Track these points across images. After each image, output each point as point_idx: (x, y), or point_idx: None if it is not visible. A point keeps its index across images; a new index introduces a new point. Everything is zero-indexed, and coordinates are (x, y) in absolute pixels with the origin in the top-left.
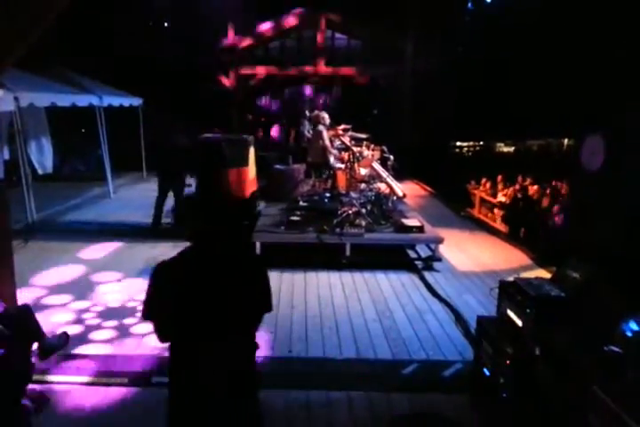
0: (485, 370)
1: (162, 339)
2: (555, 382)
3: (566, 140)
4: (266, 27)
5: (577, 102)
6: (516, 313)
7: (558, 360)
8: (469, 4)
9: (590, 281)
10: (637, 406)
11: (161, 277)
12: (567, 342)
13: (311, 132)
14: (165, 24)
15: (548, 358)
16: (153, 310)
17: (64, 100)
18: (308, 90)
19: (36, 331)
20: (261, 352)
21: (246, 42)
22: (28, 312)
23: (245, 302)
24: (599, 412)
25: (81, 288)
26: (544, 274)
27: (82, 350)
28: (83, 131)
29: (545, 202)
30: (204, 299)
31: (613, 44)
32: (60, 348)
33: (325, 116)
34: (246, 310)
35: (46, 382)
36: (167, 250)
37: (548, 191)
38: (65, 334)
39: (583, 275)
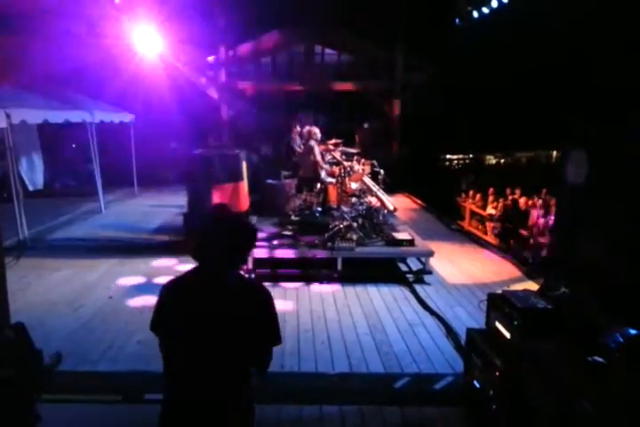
0: (476, 383)
1: (163, 354)
2: (542, 393)
3: (555, 153)
4: (254, 44)
5: (562, 116)
6: (504, 325)
7: (545, 372)
8: (457, 20)
9: (575, 294)
10: (622, 416)
11: (164, 291)
12: (553, 353)
13: (302, 147)
14: None
15: (535, 369)
16: (155, 322)
17: (56, 116)
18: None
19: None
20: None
21: (236, 57)
22: (22, 330)
23: (243, 330)
24: (585, 421)
25: (73, 305)
26: (534, 286)
27: (75, 367)
28: (73, 146)
29: (534, 214)
30: (194, 320)
31: (596, 60)
32: (54, 368)
33: (317, 131)
34: (242, 339)
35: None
36: (160, 266)
37: (536, 203)
38: (58, 353)
39: (569, 287)
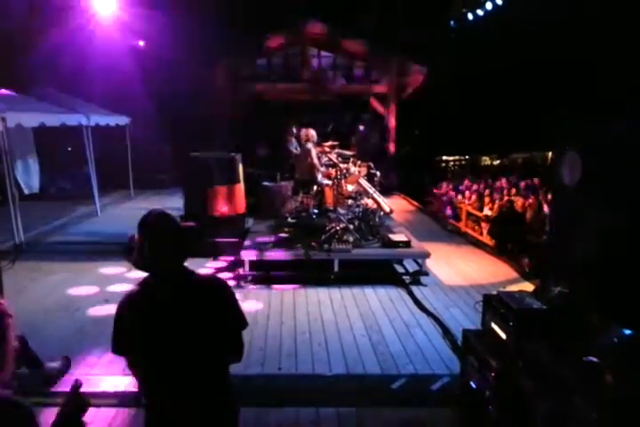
0: (472, 383)
1: (135, 374)
2: (538, 394)
3: (550, 154)
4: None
5: (555, 116)
6: (499, 326)
7: (540, 372)
8: (452, 23)
9: (571, 294)
10: (614, 413)
11: (123, 309)
12: (548, 353)
13: (298, 149)
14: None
15: (531, 370)
16: (120, 344)
17: (53, 120)
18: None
19: (33, 359)
20: (252, 370)
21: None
22: (22, 341)
23: (215, 324)
24: (580, 420)
25: (69, 309)
26: (530, 287)
27: (71, 370)
28: (69, 149)
29: (529, 215)
30: (167, 329)
31: (589, 59)
32: (64, 372)
33: (313, 133)
34: (217, 333)
35: (35, 404)
36: None
37: (532, 204)
38: (66, 358)
39: (564, 288)
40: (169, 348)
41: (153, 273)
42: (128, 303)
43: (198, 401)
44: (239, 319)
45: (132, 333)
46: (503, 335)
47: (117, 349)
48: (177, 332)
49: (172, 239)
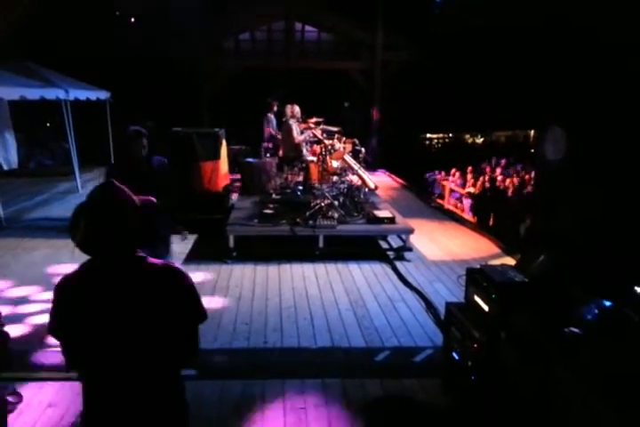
0: (454, 355)
1: (69, 364)
2: (519, 363)
3: (532, 132)
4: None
5: (538, 93)
6: (482, 299)
7: (522, 343)
8: None
9: (551, 267)
10: (595, 383)
11: (63, 292)
12: (530, 324)
13: (275, 128)
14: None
15: (513, 340)
16: (56, 328)
17: (33, 93)
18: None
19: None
20: (238, 344)
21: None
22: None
23: (164, 316)
24: (561, 390)
25: (51, 285)
26: (511, 262)
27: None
28: (48, 125)
29: (510, 192)
30: (107, 317)
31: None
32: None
33: (298, 109)
34: (165, 325)
35: (18, 379)
36: None
37: (513, 181)
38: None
39: (545, 261)
40: (106, 343)
41: (94, 257)
42: (65, 288)
43: (139, 402)
44: (195, 312)
45: (66, 320)
46: (486, 308)
47: (50, 329)
48: (116, 325)
49: (116, 217)
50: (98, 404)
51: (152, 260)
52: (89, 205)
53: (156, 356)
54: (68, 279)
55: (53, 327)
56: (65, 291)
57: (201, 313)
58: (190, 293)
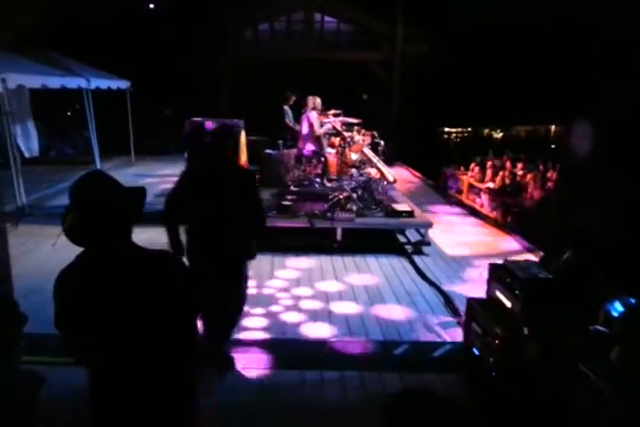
0: (475, 350)
1: (75, 356)
2: (542, 361)
3: (553, 127)
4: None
5: (564, 88)
6: (505, 295)
7: (546, 340)
8: None
9: (577, 264)
10: (621, 382)
11: (59, 287)
12: (554, 322)
13: (292, 120)
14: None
15: (536, 337)
16: (59, 321)
17: (54, 82)
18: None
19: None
20: (256, 335)
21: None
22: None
23: (159, 300)
24: (585, 389)
25: None
26: (530, 259)
27: None
28: (68, 114)
29: (531, 187)
30: (106, 307)
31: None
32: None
33: (319, 101)
34: (168, 316)
35: (35, 363)
36: (157, 234)
37: (535, 176)
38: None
39: (570, 258)
40: (108, 333)
41: (87, 249)
42: (62, 282)
43: (145, 391)
44: (191, 304)
45: (67, 314)
46: (508, 304)
47: (57, 324)
48: (115, 314)
49: (106, 208)
50: (104, 395)
51: (145, 248)
52: (78, 196)
53: (158, 344)
54: (64, 273)
55: (57, 321)
56: (62, 285)
57: (196, 305)
58: (187, 277)
